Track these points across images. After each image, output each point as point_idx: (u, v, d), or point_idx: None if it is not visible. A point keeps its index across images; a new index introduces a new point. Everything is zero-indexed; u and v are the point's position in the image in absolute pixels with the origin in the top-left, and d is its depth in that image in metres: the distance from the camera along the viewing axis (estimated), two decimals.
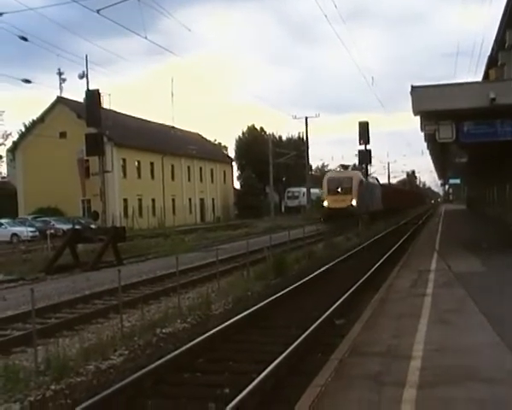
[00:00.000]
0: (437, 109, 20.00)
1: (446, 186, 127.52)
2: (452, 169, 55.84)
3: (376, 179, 66.17)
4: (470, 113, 20.26)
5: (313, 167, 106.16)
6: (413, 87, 19.83)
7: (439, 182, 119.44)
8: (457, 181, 76.37)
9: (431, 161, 55.89)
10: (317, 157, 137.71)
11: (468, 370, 7.21)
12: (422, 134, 23.14)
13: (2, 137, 74.20)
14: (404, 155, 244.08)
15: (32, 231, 44.62)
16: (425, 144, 31.50)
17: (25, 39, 23.46)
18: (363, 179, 51.22)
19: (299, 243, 28.00)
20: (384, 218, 54.00)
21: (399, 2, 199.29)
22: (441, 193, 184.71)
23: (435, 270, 17.05)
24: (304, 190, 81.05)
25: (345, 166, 57.62)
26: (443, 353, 8.08)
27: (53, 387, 8.67)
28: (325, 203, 48.73)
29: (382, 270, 19.51)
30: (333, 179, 49.95)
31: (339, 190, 47.98)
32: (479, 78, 34.24)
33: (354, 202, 47.25)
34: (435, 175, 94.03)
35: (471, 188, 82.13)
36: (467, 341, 8.70)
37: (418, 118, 21.09)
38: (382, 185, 69.35)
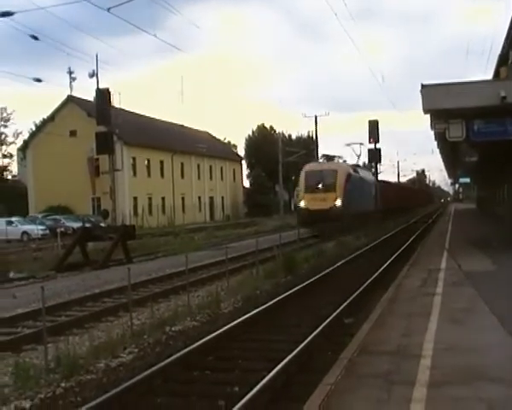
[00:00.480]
0: (447, 108, 19.92)
1: (456, 185, 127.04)
2: (462, 168, 55.56)
3: (373, 174, 56.72)
4: (480, 111, 20.17)
5: None
6: (423, 85, 19.76)
7: (449, 181, 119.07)
8: (467, 180, 75.96)
9: (441, 160, 55.60)
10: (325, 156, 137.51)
11: (479, 369, 7.18)
12: (432, 133, 23.07)
13: (13, 136, 74.70)
14: (415, 153, 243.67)
15: (42, 230, 44.86)
16: (435, 143, 31.40)
17: (35, 38, 23.53)
18: (352, 173, 42.67)
19: (309, 242, 28.02)
20: (382, 221, 47.82)
21: (410, 0, 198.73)
22: (451, 192, 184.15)
23: (445, 269, 17.00)
24: None
25: (328, 157, 49.52)
26: (453, 352, 8.05)
27: (63, 384, 8.70)
28: (302, 204, 38.94)
29: (392, 269, 19.48)
30: (312, 173, 39.91)
31: (319, 186, 38.43)
32: (489, 76, 34.07)
33: (339, 202, 37.65)
34: (445, 174, 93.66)
35: (481, 187, 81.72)
36: (477, 340, 8.67)
37: (428, 116, 21.03)
38: (381, 182, 60.59)
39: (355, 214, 38.88)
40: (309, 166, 42.06)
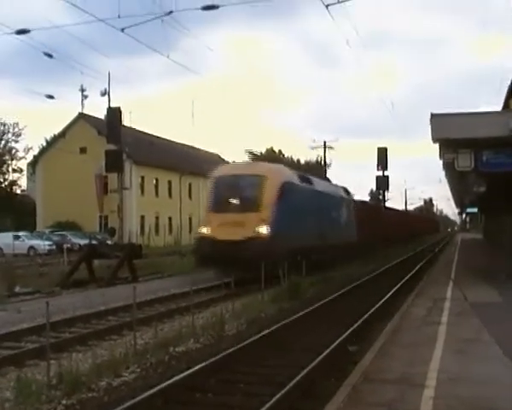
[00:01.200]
0: (456, 138, 19.97)
1: (463, 215, 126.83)
2: (470, 198, 55.37)
3: (344, 190, 39.68)
4: (490, 142, 20.20)
5: None
6: (433, 115, 19.83)
7: (457, 210, 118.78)
8: (474, 210, 75.78)
9: (448, 189, 55.36)
10: (334, 182, 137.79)
11: (483, 400, 7.14)
12: (440, 162, 23.10)
13: (24, 151, 75.26)
14: (422, 182, 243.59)
15: (48, 245, 45.00)
16: (442, 172, 31.42)
17: (50, 56, 23.74)
18: (295, 183, 26.94)
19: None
20: (365, 255, 36.46)
21: (421, 28, 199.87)
22: (458, 221, 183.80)
23: (451, 299, 16.94)
24: None
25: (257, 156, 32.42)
26: (457, 382, 8.01)
27: (64, 402, 8.66)
28: (204, 230, 24.34)
29: (397, 297, 19.41)
30: (224, 181, 25.31)
31: (233, 202, 24.35)
32: (500, 107, 34.17)
33: (265, 230, 23.13)
34: (452, 203, 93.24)
35: (488, 217, 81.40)
36: (481, 371, 8.62)
37: (437, 145, 21.07)
38: (363, 203, 49.76)
39: (301, 250, 24.55)
40: (221, 170, 27.38)
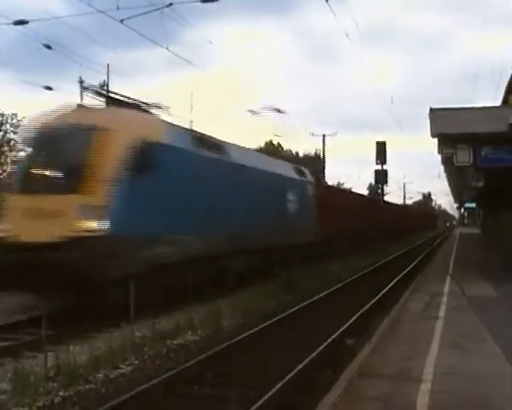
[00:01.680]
0: (455, 132, 19.95)
1: (462, 210, 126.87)
2: (468, 193, 55.34)
3: (296, 169, 28.81)
4: (488, 137, 20.18)
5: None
6: (431, 109, 19.81)
7: (455, 205, 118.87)
8: (473, 205, 75.73)
9: (447, 184, 55.29)
10: (333, 176, 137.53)
11: (478, 396, 7.16)
12: (439, 157, 23.09)
13: (23, 143, 75.09)
14: (421, 176, 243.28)
15: None
16: (441, 167, 31.41)
17: (49, 47, 23.61)
18: (176, 144, 15.89)
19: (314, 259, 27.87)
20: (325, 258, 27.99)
21: (419, 25, 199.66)
22: (456, 216, 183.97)
23: (448, 294, 16.98)
24: None
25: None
26: (453, 377, 8.03)
27: (61, 393, 8.65)
28: None
29: (395, 291, 19.45)
30: (35, 137, 14.49)
31: (44, 174, 14.04)
32: (498, 102, 34.12)
33: (94, 225, 12.67)
34: (451, 198, 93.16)
35: (486, 212, 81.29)
36: (478, 366, 8.63)
37: (436, 140, 21.05)
38: (329, 190, 39.32)
39: (188, 260, 15.78)
40: (33, 120, 15.28)
